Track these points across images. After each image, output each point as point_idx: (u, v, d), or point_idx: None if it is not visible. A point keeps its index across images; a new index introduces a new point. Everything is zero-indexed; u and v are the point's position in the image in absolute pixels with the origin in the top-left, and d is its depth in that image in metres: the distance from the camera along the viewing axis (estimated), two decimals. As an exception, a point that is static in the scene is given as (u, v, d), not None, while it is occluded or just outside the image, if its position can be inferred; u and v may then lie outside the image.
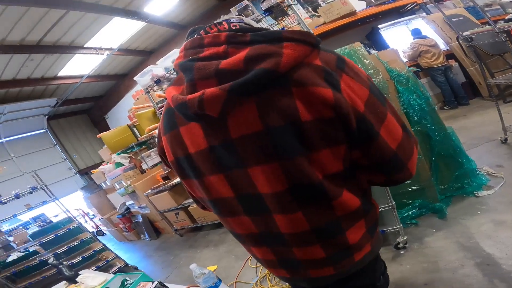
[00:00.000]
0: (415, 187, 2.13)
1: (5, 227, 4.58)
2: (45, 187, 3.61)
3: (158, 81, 3.34)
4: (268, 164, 0.55)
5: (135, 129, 4.55)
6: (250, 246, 0.73)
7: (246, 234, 0.70)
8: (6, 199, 3.41)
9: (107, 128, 8.21)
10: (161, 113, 2.43)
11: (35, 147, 7.87)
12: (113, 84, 8.45)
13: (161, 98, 3.35)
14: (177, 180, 3.65)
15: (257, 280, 2.40)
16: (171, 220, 4.20)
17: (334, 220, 0.61)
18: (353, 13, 4.17)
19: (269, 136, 0.53)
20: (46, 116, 8.08)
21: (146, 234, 4.95)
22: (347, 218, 0.62)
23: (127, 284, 1.56)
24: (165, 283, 1.29)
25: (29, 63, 5.66)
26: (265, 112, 0.52)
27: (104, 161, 5.50)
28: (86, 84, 7.64)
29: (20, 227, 4.17)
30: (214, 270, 2.88)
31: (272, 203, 0.59)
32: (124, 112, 6.53)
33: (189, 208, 3.80)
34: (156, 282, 1.30)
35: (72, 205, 6.39)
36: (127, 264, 3.86)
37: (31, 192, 3.52)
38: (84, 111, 9.53)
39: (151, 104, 3.87)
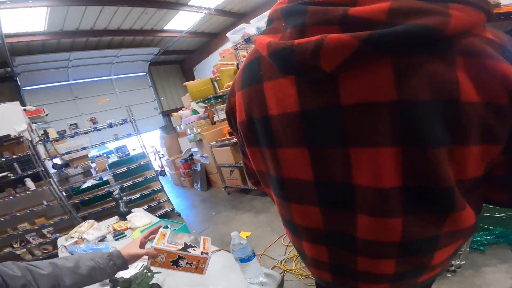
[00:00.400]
0: (505, 215, 1.80)
1: (93, 152, 5.11)
2: (133, 121, 3.94)
3: (248, 39, 3.34)
4: (385, 149, 0.40)
5: (215, 83, 4.75)
6: (304, 240, 0.60)
7: (307, 228, 0.57)
8: (101, 126, 3.82)
9: (193, 78, 8.95)
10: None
11: (134, 86, 9.19)
12: (205, 41, 9.00)
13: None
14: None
15: (283, 259, 2.35)
16: (225, 176, 4.39)
17: (435, 236, 0.47)
18: (497, 5, 3.28)
19: (403, 110, 0.38)
20: (148, 62, 9.25)
21: (199, 183, 5.34)
22: (450, 236, 0.48)
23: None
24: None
25: (144, 16, 6.38)
26: (405, 79, 0.37)
27: (184, 107, 5.94)
28: (184, 39, 8.32)
29: (104, 155, 4.66)
30: (247, 237, 2.91)
31: (365, 199, 0.45)
32: (209, 67, 6.95)
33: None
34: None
35: (149, 142, 7.20)
36: (173, 209, 4.19)
37: (121, 124, 3.87)
38: (178, 62, 10.57)
39: (235, 63, 3.92)
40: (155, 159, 7.93)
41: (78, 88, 7.77)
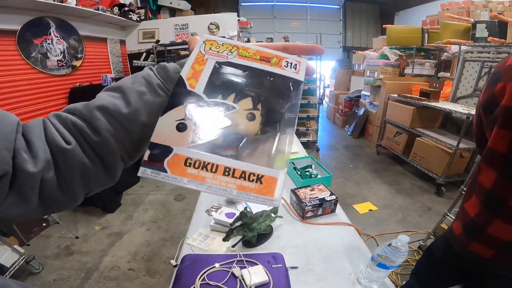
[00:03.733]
0: None
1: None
2: (319, 48, 3.92)
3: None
4: None
5: (426, 34, 3.87)
6: None
7: None
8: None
9: (391, 23, 7.65)
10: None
11: (325, 17, 8.86)
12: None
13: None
14: (441, 105, 2.78)
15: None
16: (386, 134, 3.67)
17: None
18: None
19: None
20: (347, -4, 8.27)
21: (352, 127, 4.83)
22: None
23: (308, 172, 1.44)
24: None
25: None
26: None
27: (371, 48, 5.26)
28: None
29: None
30: (369, 210, 2.47)
31: None
32: (419, 16, 5.54)
33: (419, 138, 3.00)
34: (334, 198, 1.08)
35: (321, 69, 7.13)
36: (315, 142, 4.07)
37: (308, 47, 4.00)
38: (378, 3, 8.76)
39: (470, 20, 3.01)
40: (319, 87, 7.97)
41: (278, 10, 8.48)
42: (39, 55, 2.53)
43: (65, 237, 2.13)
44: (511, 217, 0.61)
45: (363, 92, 4.69)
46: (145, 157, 0.23)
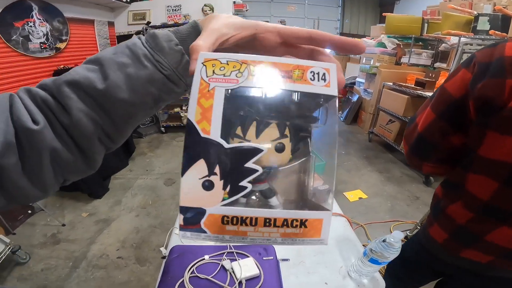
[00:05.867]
0: None
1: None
2: (316, 33, 3.88)
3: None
4: None
5: (426, 24, 3.81)
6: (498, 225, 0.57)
7: None
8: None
9: (391, 12, 7.53)
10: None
11: (323, 2, 8.56)
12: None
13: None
14: (430, 94, 2.76)
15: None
16: (379, 121, 3.65)
17: None
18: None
19: None
20: (348, -18, 8.02)
21: (345, 113, 4.82)
22: None
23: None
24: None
25: None
26: None
27: (368, 36, 5.15)
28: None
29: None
30: (359, 198, 2.47)
31: None
32: (419, 6, 5.46)
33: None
34: (326, 187, 1.02)
35: None
36: None
37: (306, 32, 3.94)
38: None
39: (473, 12, 3.00)
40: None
41: (276, -7, 8.26)
42: (21, 38, 2.43)
43: (51, 224, 2.07)
44: None
45: (358, 79, 4.64)
46: (180, 222, 0.21)
